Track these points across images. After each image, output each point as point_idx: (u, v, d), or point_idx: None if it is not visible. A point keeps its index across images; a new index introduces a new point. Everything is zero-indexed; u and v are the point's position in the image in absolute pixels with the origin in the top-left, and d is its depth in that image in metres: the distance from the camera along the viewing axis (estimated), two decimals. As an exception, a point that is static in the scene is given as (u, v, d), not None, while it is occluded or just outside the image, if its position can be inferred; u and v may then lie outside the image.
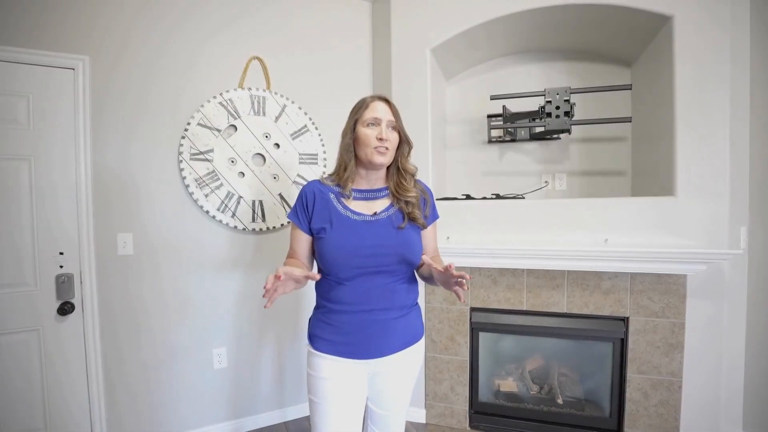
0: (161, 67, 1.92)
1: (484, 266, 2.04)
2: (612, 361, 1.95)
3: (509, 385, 2.18)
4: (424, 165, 2.15)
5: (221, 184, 1.99)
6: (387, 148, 1.13)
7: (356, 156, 1.16)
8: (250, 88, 2.06)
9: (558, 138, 2.29)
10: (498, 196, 2.15)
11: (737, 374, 1.89)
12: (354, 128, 1.16)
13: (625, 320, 1.90)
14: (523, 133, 2.32)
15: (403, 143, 1.19)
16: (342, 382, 1.12)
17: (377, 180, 1.20)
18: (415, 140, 2.14)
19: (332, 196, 1.16)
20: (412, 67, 2.16)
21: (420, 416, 2.23)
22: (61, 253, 1.77)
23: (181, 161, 1.92)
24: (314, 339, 1.16)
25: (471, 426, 2.15)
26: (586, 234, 1.88)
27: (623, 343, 1.91)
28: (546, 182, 2.34)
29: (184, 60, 1.96)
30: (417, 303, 1.25)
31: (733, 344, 1.86)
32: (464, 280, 0.96)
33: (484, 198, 2.16)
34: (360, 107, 1.17)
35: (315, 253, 1.18)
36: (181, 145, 1.92)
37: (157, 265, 1.94)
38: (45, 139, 1.73)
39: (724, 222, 1.72)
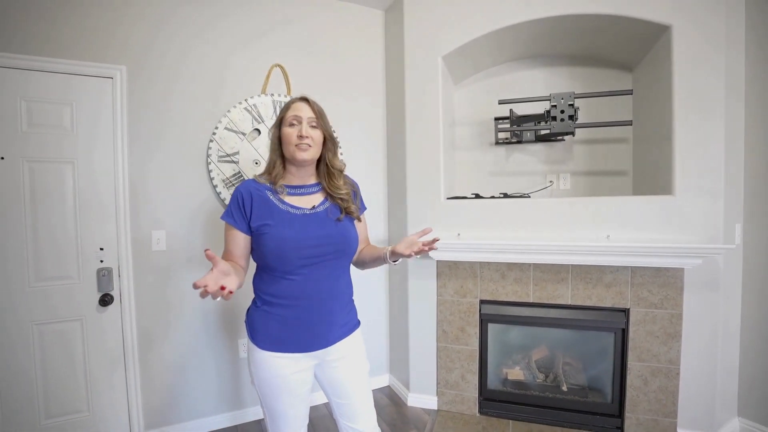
0: (192, 76, 2.06)
1: (492, 261, 2.16)
2: (614, 350, 2.07)
3: (516, 373, 2.30)
4: (435, 165, 2.28)
5: (246, 185, 2.13)
6: (309, 145, 1.17)
7: (283, 155, 1.22)
8: (272, 94, 2.20)
9: (562, 140, 2.41)
10: (505, 195, 2.27)
11: (732, 362, 2.01)
12: (279, 129, 1.21)
13: (625, 311, 2.01)
14: (528, 135, 2.43)
15: (328, 141, 1.24)
16: (290, 376, 1.16)
17: (308, 177, 1.25)
18: (427, 143, 2.30)
19: (269, 193, 1.19)
20: (424, 74, 2.29)
21: (432, 403, 2.36)
22: (101, 249, 1.92)
23: (209, 163, 2.06)
24: (259, 337, 1.17)
25: (480, 412, 2.28)
26: (589, 230, 2.00)
27: (624, 333, 2.03)
28: (551, 182, 2.46)
29: (212, 68, 2.10)
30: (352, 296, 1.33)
31: (728, 334, 1.97)
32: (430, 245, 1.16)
33: (492, 197, 2.27)
34: (284, 109, 1.22)
35: (253, 250, 1.20)
36: (210, 148, 2.06)
37: (188, 259, 2.08)
38: (87, 143, 1.88)
39: (719, 219, 1.83)
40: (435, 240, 1.21)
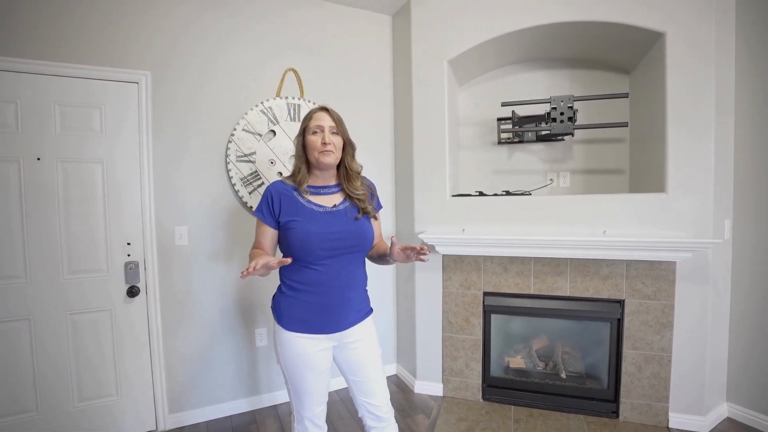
0: (211, 80, 2.18)
1: (495, 255, 2.28)
2: (609, 339, 2.19)
3: (518, 362, 2.43)
4: (441, 164, 2.40)
5: (263, 183, 2.25)
6: (331, 151, 1.30)
7: (307, 159, 1.35)
8: (286, 97, 2.32)
9: (562, 139, 2.52)
10: (508, 193, 2.38)
11: (721, 350, 2.13)
12: (303, 137, 1.34)
13: (621, 302, 2.13)
14: (530, 135, 2.55)
15: (347, 146, 1.37)
16: (312, 354, 1.30)
17: (330, 178, 1.38)
18: (434, 143, 2.42)
19: (295, 193, 1.33)
20: (430, 77, 2.41)
21: (438, 390, 2.49)
22: (129, 244, 2.04)
23: (228, 162, 2.19)
24: (285, 319, 1.31)
25: (484, 398, 2.40)
26: (587, 226, 2.12)
27: (619, 322, 2.15)
28: (551, 180, 2.58)
29: (230, 73, 2.22)
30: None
31: (717, 323, 2.09)
32: (424, 255, 1.21)
33: (495, 194, 2.38)
34: (306, 119, 1.35)
35: (281, 242, 1.34)
36: (228, 148, 2.18)
37: (208, 254, 2.21)
38: (115, 144, 2.00)
39: (708, 215, 1.95)
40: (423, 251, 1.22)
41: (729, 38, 2.04)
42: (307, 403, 1.34)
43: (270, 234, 1.34)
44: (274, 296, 1.40)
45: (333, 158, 1.33)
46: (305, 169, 1.36)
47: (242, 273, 1.04)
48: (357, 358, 1.38)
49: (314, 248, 1.26)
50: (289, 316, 1.31)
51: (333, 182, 1.40)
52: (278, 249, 1.39)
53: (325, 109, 1.36)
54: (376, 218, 1.45)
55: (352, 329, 1.36)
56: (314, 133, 1.32)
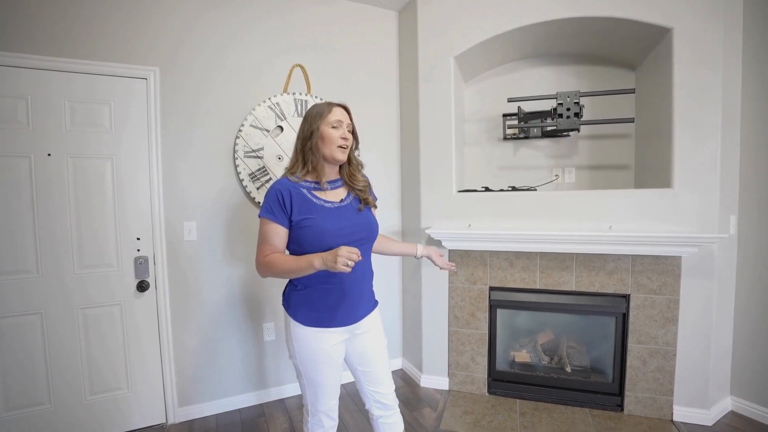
0: (219, 76, 2.19)
1: (501, 250, 2.30)
2: (615, 333, 2.21)
3: (523, 356, 2.45)
4: (447, 160, 2.41)
5: (270, 178, 2.27)
6: (346, 147, 1.33)
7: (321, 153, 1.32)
8: (293, 93, 2.33)
9: (568, 135, 2.53)
10: (513, 189, 2.39)
11: (726, 345, 2.15)
12: (318, 129, 1.31)
13: (626, 297, 2.15)
14: (535, 131, 2.55)
15: (353, 140, 1.40)
16: (329, 348, 1.31)
17: (334, 173, 1.39)
18: (440, 139, 2.44)
19: (304, 190, 1.30)
20: (437, 73, 2.41)
21: (444, 384, 2.51)
22: (138, 239, 2.06)
23: (236, 158, 2.20)
24: (300, 314, 1.31)
25: (489, 392, 2.43)
26: (593, 221, 2.13)
27: (625, 317, 2.16)
28: (556, 175, 2.59)
29: (238, 69, 2.23)
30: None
31: (722, 318, 2.11)
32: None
33: (501, 190, 2.40)
34: (324, 112, 1.32)
35: (291, 241, 1.31)
36: (236, 144, 2.20)
37: (216, 249, 2.22)
38: (124, 140, 2.01)
39: (714, 210, 1.96)
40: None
41: (736, 35, 2.04)
42: (322, 396, 1.36)
43: (283, 234, 1.30)
44: (284, 292, 1.40)
45: (346, 155, 1.36)
46: (322, 162, 1.33)
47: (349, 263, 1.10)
48: (365, 349, 1.41)
49: (330, 244, 1.24)
50: (307, 312, 1.31)
51: (335, 176, 1.41)
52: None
53: (345, 107, 1.38)
54: (375, 207, 1.48)
55: (363, 320, 1.39)
56: (334, 127, 1.32)
